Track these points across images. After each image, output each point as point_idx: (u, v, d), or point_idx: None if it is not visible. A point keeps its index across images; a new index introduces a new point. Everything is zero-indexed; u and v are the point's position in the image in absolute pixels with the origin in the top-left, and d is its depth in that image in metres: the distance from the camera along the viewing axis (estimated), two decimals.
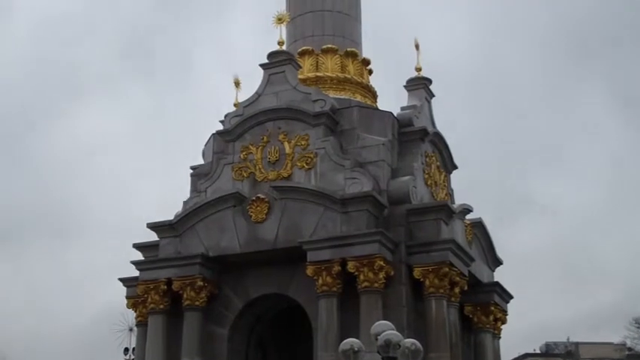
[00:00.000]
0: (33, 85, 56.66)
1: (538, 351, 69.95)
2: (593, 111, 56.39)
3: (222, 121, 23.36)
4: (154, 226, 22.45)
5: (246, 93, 23.69)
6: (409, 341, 15.27)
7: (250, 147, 22.41)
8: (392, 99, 24.31)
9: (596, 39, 55.83)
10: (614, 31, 55.00)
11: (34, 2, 58.91)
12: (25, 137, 55.77)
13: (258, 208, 21.47)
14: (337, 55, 24.42)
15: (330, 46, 24.47)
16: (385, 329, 15.43)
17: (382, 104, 24.10)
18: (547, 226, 53.16)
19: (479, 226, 23.17)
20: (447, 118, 48.49)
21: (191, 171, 23.92)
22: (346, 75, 24.27)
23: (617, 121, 56.23)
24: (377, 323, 15.98)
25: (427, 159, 22.98)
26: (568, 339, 65.34)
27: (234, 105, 24.12)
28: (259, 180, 22.04)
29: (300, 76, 23.51)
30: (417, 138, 22.75)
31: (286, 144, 22.15)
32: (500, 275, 24.34)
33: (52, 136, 55.55)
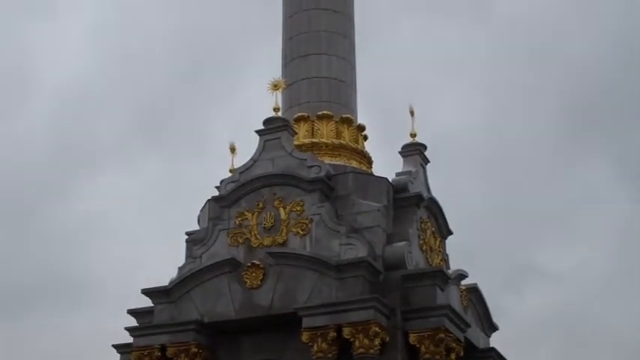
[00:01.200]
0: (46, 154, 56.85)
1: None
2: (600, 180, 56.61)
3: (217, 187, 23.45)
4: (148, 292, 22.41)
5: (243, 158, 23.84)
6: None
7: (246, 213, 22.47)
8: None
9: (603, 110, 56.25)
10: (622, 103, 55.47)
11: (52, 76, 59.32)
12: (37, 207, 55.81)
13: (254, 274, 21.46)
14: (333, 122, 24.61)
15: (325, 112, 24.67)
16: None
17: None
18: (551, 294, 53.05)
19: (474, 291, 23.14)
20: (454, 185, 48.64)
21: (186, 237, 23.96)
22: (341, 141, 24.44)
23: (623, 192, 56.49)
24: None
25: (422, 225, 23.03)
26: None
27: (230, 171, 24.26)
28: (255, 246, 22.06)
29: (295, 142, 23.67)
30: (412, 204, 22.81)
31: (282, 210, 22.22)
32: (503, 342, 24.27)
33: (64, 206, 55.63)
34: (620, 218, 54.16)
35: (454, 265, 23.82)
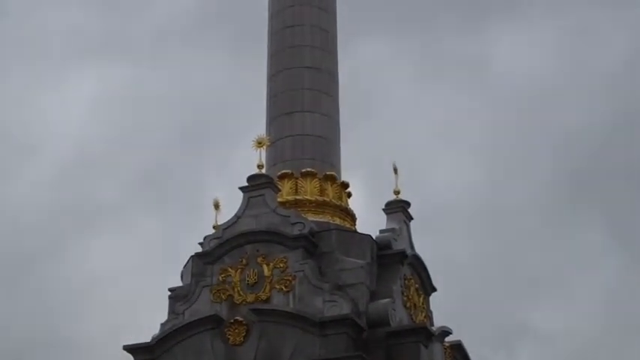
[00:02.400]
0: (46, 216, 56.98)
1: None
2: (592, 243, 56.85)
3: (201, 244, 23.43)
4: (130, 349, 22.25)
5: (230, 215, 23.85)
6: None
7: (229, 269, 22.44)
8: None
9: (597, 174, 56.67)
10: (615, 168, 55.95)
11: (55, 141, 59.65)
12: (34, 266, 55.76)
13: (237, 330, 21.38)
14: (316, 179, 24.69)
15: (309, 169, 24.77)
16: None
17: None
18: (543, 354, 52.91)
19: (458, 348, 23.08)
20: (448, 245, 48.75)
21: (169, 293, 23.85)
22: (325, 198, 24.51)
23: (614, 254, 56.69)
24: None
25: (406, 282, 23.03)
26: None
27: (214, 227, 24.24)
28: (238, 302, 21.99)
29: (279, 199, 23.73)
30: (395, 261, 22.85)
31: (265, 267, 22.20)
32: None
33: (60, 266, 55.60)
34: (611, 280, 54.40)
35: (447, 324, 23.78)
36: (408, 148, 51.03)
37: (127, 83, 58.99)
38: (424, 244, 24.81)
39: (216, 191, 25.30)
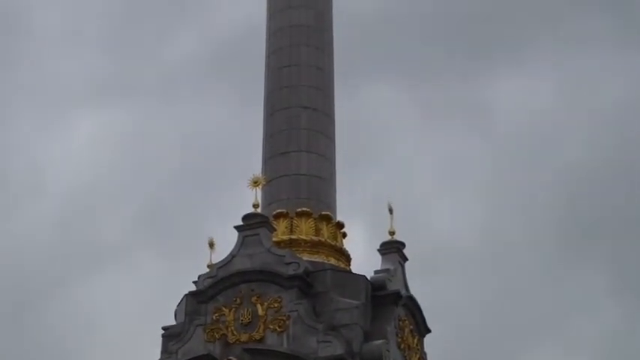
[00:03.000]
0: (49, 254, 57.25)
1: None
2: (593, 288, 56.88)
3: (195, 282, 23.36)
4: None
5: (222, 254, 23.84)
6: None
7: (223, 308, 22.37)
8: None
9: (598, 219, 56.91)
10: (616, 213, 56.21)
11: (59, 179, 60.05)
12: (37, 304, 55.90)
13: None
14: (311, 219, 24.69)
15: (304, 209, 24.76)
16: None
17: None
18: None
19: None
20: (449, 289, 48.80)
21: (163, 331, 23.74)
22: (320, 238, 24.49)
23: (616, 299, 56.67)
24: None
25: (400, 323, 22.96)
26: None
27: (208, 266, 24.19)
28: (231, 342, 21.90)
29: (274, 239, 23.71)
30: (390, 302, 22.81)
31: (259, 306, 22.14)
32: None
33: (62, 306, 55.70)
34: (614, 324, 54.30)
35: None
36: (411, 189, 51.32)
37: (130, 125, 59.53)
38: (424, 285, 24.81)
39: (216, 230, 25.36)
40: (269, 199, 25.19)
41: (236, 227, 23.45)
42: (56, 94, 60.68)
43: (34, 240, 56.15)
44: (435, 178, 56.53)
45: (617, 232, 55.77)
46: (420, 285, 24.55)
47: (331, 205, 25.52)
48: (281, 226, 24.55)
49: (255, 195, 23.96)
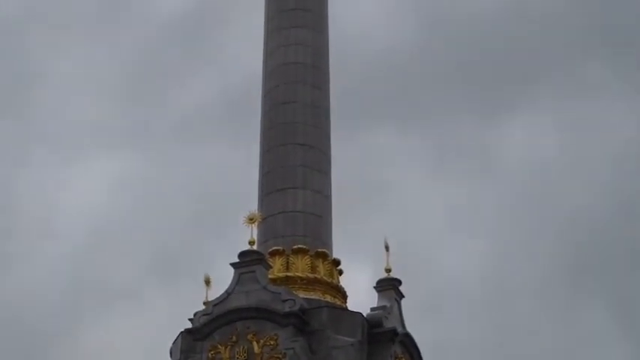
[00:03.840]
0: (60, 294, 57.60)
1: None
2: (597, 326, 56.92)
3: (191, 320, 23.28)
4: None
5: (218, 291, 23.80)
6: None
7: (219, 346, 22.28)
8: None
9: (600, 257, 57.27)
10: (618, 251, 56.53)
11: (71, 220, 60.62)
12: (48, 344, 55.98)
13: None
14: (308, 256, 24.66)
15: (300, 246, 24.75)
16: None
17: None
18: None
19: None
20: (453, 328, 48.88)
21: None
22: (316, 275, 24.46)
23: (620, 337, 56.65)
24: None
25: None
26: None
27: (204, 303, 24.09)
28: None
29: (270, 276, 23.66)
30: (386, 339, 22.74)
31: (255, 344, 22.06)
32: None
33: (75, 346, 55.82)
34: (614, 358, 54.12)
35: None
36: (418, 231, 51.66)
37: (142, 170, 59.97)
38: (427, 326, 24.77)
39: (222, 270, 25.50)
40: (265, 236, 25.19)
41: (232, 264, 23.41)
42: (71, 140, 61.50)
43: (46, 283, 56.50)
44: (442, 220, 56.91)
45: (621, 276, 56.02)
46: (423, 324, 24.53)
47: (327, 242, 25.50)
48: (277, 263, 24.52)
49: (251, 232, 23.95)
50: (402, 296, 24.55)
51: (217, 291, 23.55)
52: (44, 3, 60.91)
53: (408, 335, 23.84)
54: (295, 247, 24.72)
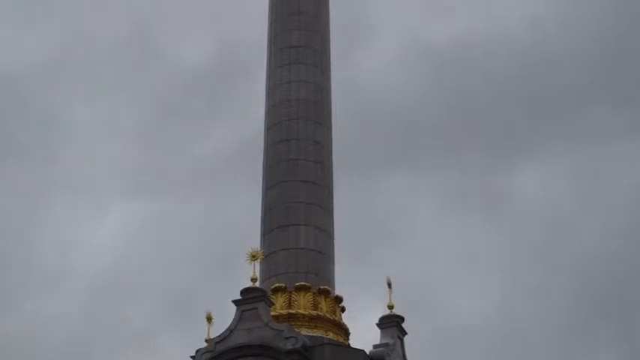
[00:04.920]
0: (74, 336, 57.95)
1: None
2: None
3: (193, 357, 23.20)
4: None
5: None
6: None
7: None
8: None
9: (613, 302, 57.60)
10: (631, 297, 56.94)
11: (88, 261, 61.40)
12: None
13: None
14: (310, 293, 24.61)
15: (303, 283, 24.71)
16: None
17: None
18: None
19: None
20: None
21: None
22: (319, 312, 24.40)
23: None
24: None
25: None
26: None
27: (206, 341, 24.02)
28: None
29: (272, 313, 23.61)
30: None
31: None
32: None
33: None
34: None
35: None
36: (429, 271, 51.91)
37: (158, 214, 60.47)
38: None
39: (228, 308, 25.62)
40: (267, 272, 25.13)
41: (234, 301, 23.36)
42: (91, 184, 62.17)
43: (59, 323, 56.68)
44: (454, 260, 57.18)
45: (630, 316, 56.08)
46: None
47: (330, 279, 25.44)
48: (279, 300, 24.46)
49: (253, 269, 23.91)
50: (405, 333, 24.47)
51: (221, 328, 23.53)
52: (70, 52, 61.71)
53: None
54: (298, 284, 24.67)
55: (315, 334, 23.66)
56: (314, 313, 24.32)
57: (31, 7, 61.56)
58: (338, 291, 25.44)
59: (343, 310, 25.17)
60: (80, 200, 62.38)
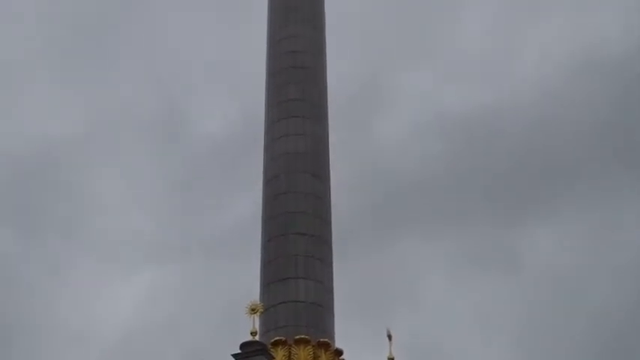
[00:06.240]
0: None
1: None
2: None
3: None
4: None
5: None
6: None
7: None
8: None
9: (631, 352, 58.08)
10: None
11: (108, 326, 62.10)
12: None
13: None
14: (310, 346, 24.49)
15: (303, 336, 24.58)
16: None
17: None
18: None
19: None
20: None
21: None
22: None
23: None
24: None
25: None
26: None
27: None
28: None
29: None
30: None
31: None
32: None
33: None
34: None
35: None
36: (442, 332, 52.07)
37: (179, 282, 60.81)
38: None
39: None
40: (267, 326, 25.01)
41: (234, 355, 23.21)
42: (112, 251, 62.74)
43: None
44: (466, 321, 57.31)
45: None
46: None
47: (330, 332, 25.33)
48: (279, 353, 24.31)
49: (252, 322, 23.80)
50: None
51: None
52: (99, 123, 62.73)
53: None
54: (297, 337, 24.54)
55: None
56: None
57: (62, 81, 62.81)
58: (345, 347, 25.33)
59: None
60: (101, 266, 63.11)
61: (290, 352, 24.37)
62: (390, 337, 24.51)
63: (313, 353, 24.40)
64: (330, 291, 25.90)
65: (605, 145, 60.24)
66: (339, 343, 25.29)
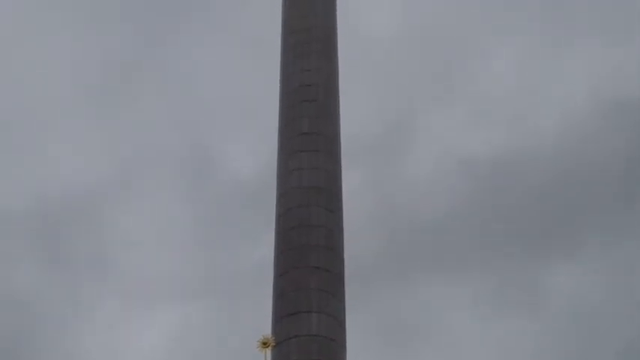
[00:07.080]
0: None
1: None
2: None
3: None
4: None
5: None
6: None
7: None
8: None
9: None
10: None
11: None
12: None
13: None
14: None
15: None
16: None
17: None
18: None
19: None
20: None
21: None
22: None
23: None
24: None
25: None
26: None
27: None
28: None
29: None
30: None
31: None
32: None
33: None
34: None
35: None
36: None
37: (201, 320, 61.12)
38: None
39: None
40: None
41: None
42: (139, 289, 63.27)
43: None
44: (492, 359, 57.12)
45: None
46: None
47: None
48: None
49: (265, 357, 23.65)
50: None
51: None
52: (126, 164, 63.20)
53: None
54: None
55: None
56: None
57: (96, 122, 63.47)
58: None
59: None
60: (128, 305, 63.54)
61: None
62: None
63: None
64: (342, 325, 25.71)
65: (629, 182, 60.23)
66: None
